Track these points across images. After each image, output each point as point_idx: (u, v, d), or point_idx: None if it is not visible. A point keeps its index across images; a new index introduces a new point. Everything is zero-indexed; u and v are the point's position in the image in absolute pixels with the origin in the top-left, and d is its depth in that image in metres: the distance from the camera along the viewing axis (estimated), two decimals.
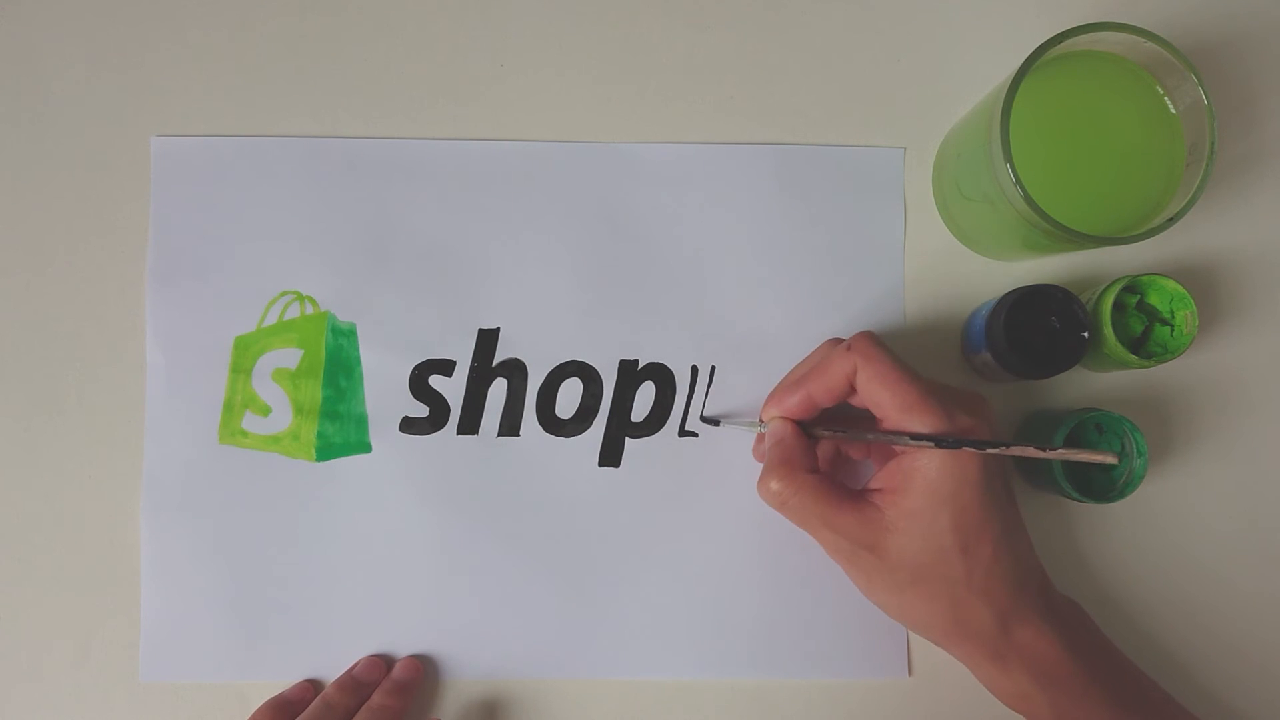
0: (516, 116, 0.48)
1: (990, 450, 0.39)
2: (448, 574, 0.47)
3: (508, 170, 0.48)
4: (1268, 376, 0.48)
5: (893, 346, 0.41)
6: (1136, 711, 0.41)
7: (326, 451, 0.47)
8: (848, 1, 0.49)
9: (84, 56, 0.48)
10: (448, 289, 0.48)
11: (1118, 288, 0.43)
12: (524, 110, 0.48)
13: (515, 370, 0.48)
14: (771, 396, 0.43)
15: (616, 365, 0.48)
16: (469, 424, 0.47)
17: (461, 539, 0.47)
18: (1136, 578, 0.47)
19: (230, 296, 0.47)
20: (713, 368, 0.48)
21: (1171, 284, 0.44)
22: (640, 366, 0.48)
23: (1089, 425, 0.45)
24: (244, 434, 0.47)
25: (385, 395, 0.47)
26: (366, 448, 0.47)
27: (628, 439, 0.48)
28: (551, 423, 0.48)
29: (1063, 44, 0.39)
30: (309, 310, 0.48)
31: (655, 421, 0.48)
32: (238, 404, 0.47)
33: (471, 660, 0.47)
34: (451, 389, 0.48)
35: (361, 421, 0.47)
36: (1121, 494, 0.44)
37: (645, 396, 0.48)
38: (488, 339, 0.48)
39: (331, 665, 0.46)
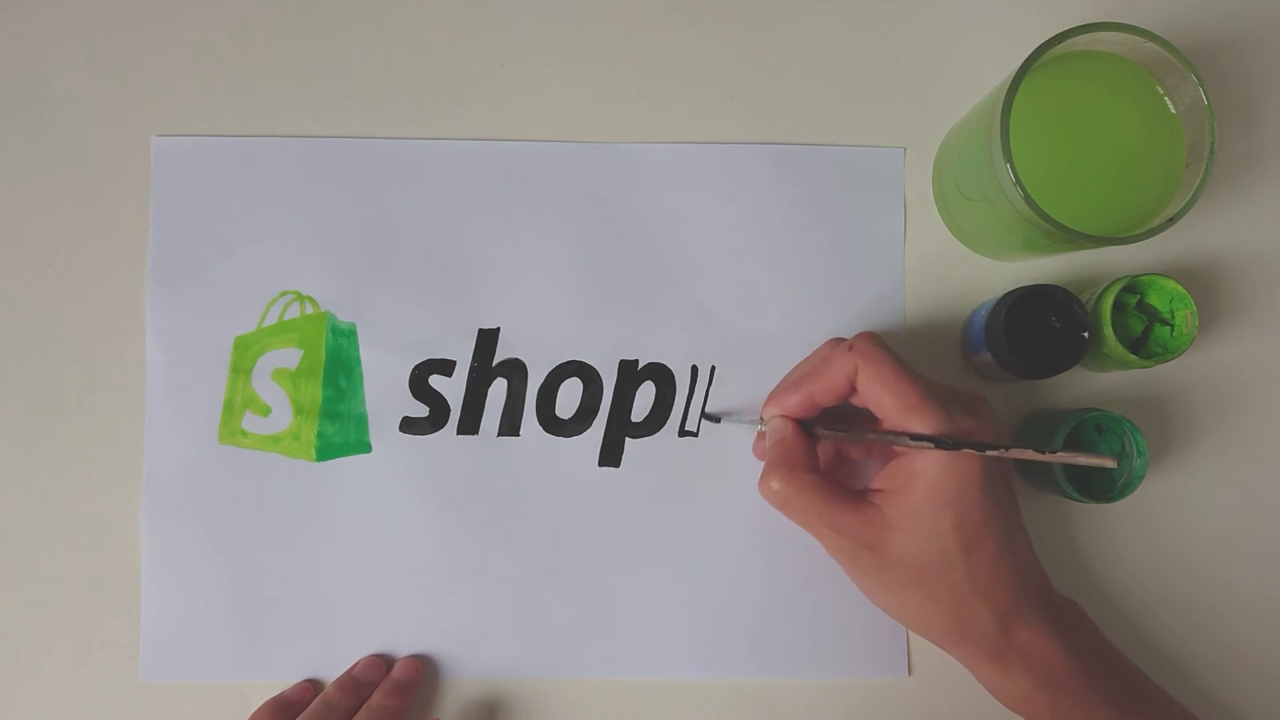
0: (516, 116, 0.48)
1: (990, 453, 0.39)
2: (448, 574, 0.47)
3: (508, 170, 0.48)
4: (1268, 376, 0.48)
5: (893, 346, 0.41)
6: (1137, 712, 0.41)
7: (326, 451, 0.47)
8: (848, 1, 0.49)
9: (84, 56, 0.48)
10: (448, 289, 0.48)
11: (1118, 288, 0.43)
12: (524, 110, 0.48)
13: (515, 370, 0.48)
14: (772, 395, 0.43)
15: (616, 365, 0.48)
16: (469, 424, 0.47)
17: (461, 539, 0.47)
18: (1136, 578, 0.47)
19: (230, 296, 0.47)
20: (713, 368, 0.48)
21: (1171, 284, 0.44)
22: (640, 366, 0.48)
23: (1089, 425, 0.45)
24: (244, 434, 0.47)
25: (385, 395, 0.47)
26: (366, 448, 0.47)
27: (628, 439, 0.48)
28: (551, 423, 0.48)
29: (1063, 44, 0.39)
30: (309, 310, 0.48)
31: (655, 421, 0.48)
32: (238, 404, 0.47)
33: (471, 660, 0.47)
34: (451, 389, 0.48)
35: (361, 421, 0.47)
36: (1121, 494, 0.44)
37: (645, 396, 0.48)
38: (488, 339, 0.48)
39: (331, 665, 0.46)
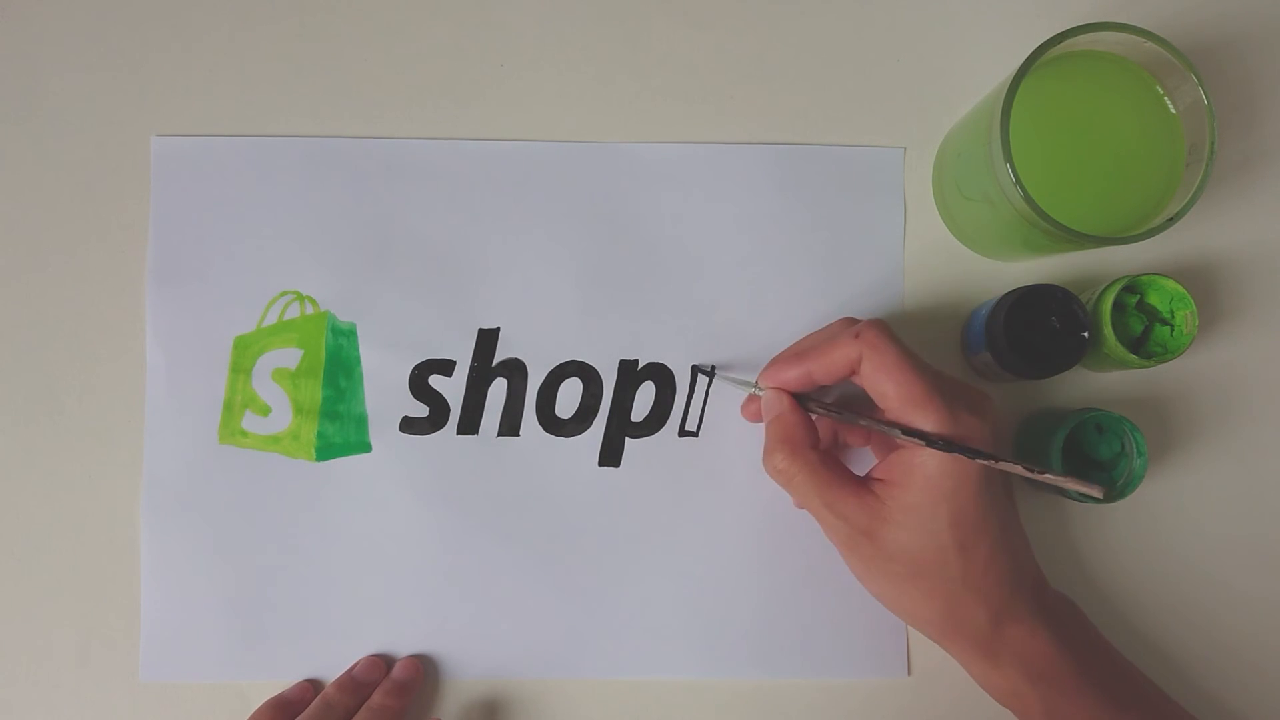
0: (516, 116, 0.48)
1: (981, 460, 0.39)
2: (448, 574, 0.47)
3: (508, 170, 0.48)
4: (1268, 376, 0.48)
5: None
6: (1130, 708, 0.40)
7: (326, 451, 0.47)
8: (847, 1, 0.49)
9: (84, 56, 0.48)
10: (448, 289, 0.48)
11: (1118, 288, 0.43)
12: (524, 110, 0.48)
13: (515, 370, 0.48)
14: (773, 363, 0.43)
15: (616, 365, 0.48)
16: (469, 424, 0.47)
17: (461, 539, 0.47)
18: (1135, 577, 0.47)
19: (230, 296, 0.47)
20: (713, 367, 0.48)
21: (1171, 284, 0.44)
22: (640, 366, 0.48)
23: (1089, 425, 0.45)
24: (244, 434, 0.47)
25: (385, 395, 0.47)
26: (366, 448, 0.47)
27: (628, 439, 0.48)
28: (551, 423, 0.48)
29: (1063, 44, 0.39)
30: (309, 310, 0.48)
31: (655, 421, 0.48)
32: (238, 404, 0.47)
33: (471, 660, 0.47)
34: (451, 389, 0.48)
35: (361, 421, 0.47)
36: (1121, 494, 0.44)
37: (645, 396, 0.48)
38: (488, 339, 0.48)
39: (331, 665, 0.46)
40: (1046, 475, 0.40)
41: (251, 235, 0.48)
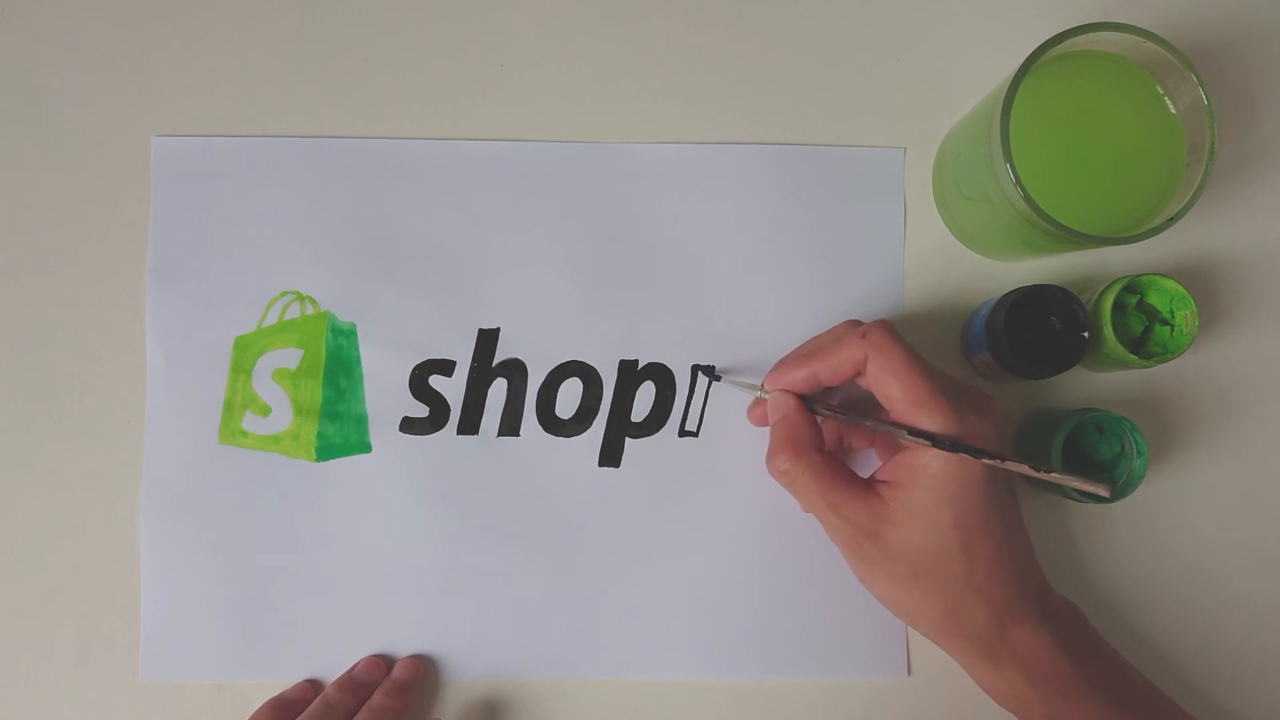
0: (516, 116, 0.48)
1: (986, 460, 0.39)
2: (448, 574, 0.47)
3: (508, 170, 0.48)
4: (1268, 376, 0.48)
5: None
6: (1131, 712, 0.40)
7: (326, 451, 0.47)
8: (847, 1, 0.49)
9: (84, 56, 0.48)
10: (448, 289, 0.48)
11: (1118, 288, 0.43)
12: (524, 110, 0.48)
13: (515, 370, 0.48)
14: (778, 366, 0.43)
15: (616, 365, 0.48)
16: (469, 424, 0.47)
17: (461, 539, 0.47)
18: (1135, 578, 0.47)
19: (230, 296, 0.47)
20: (712, 367, 0.48)
21: (1171, 284, 0.44)
22: (640, 366, 0.48)
23: (1089, 425, 0.45)
24: (244, 434, 0.47)
25: (385, 395, 0.47)
26: (366, 448, 0.47)
27: (628, 439, 0.48)
28: (551, 423, 0.48)
29: (1063, 44, 0.39)
30: (309, 310, 0.48)
31: (655, 421, 0.48)
32: (238, 404, 0.47)
33: (471, 660, 0.47)
34: (451, 389, 0.48)
35: (361, 421, 0.47)
36: (1121, 494, 0.44)
37: (645, 396, 0.48)
38: (488, 339, 0.48)
39: (331, 665, 0.46)
40: (1053, 474, 0.40)
41: (251, 235, 0.48)
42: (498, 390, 0.48)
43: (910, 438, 0.39)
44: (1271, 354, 0.48)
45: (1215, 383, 0.48)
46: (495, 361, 0.48)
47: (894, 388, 0.39)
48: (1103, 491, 0.39)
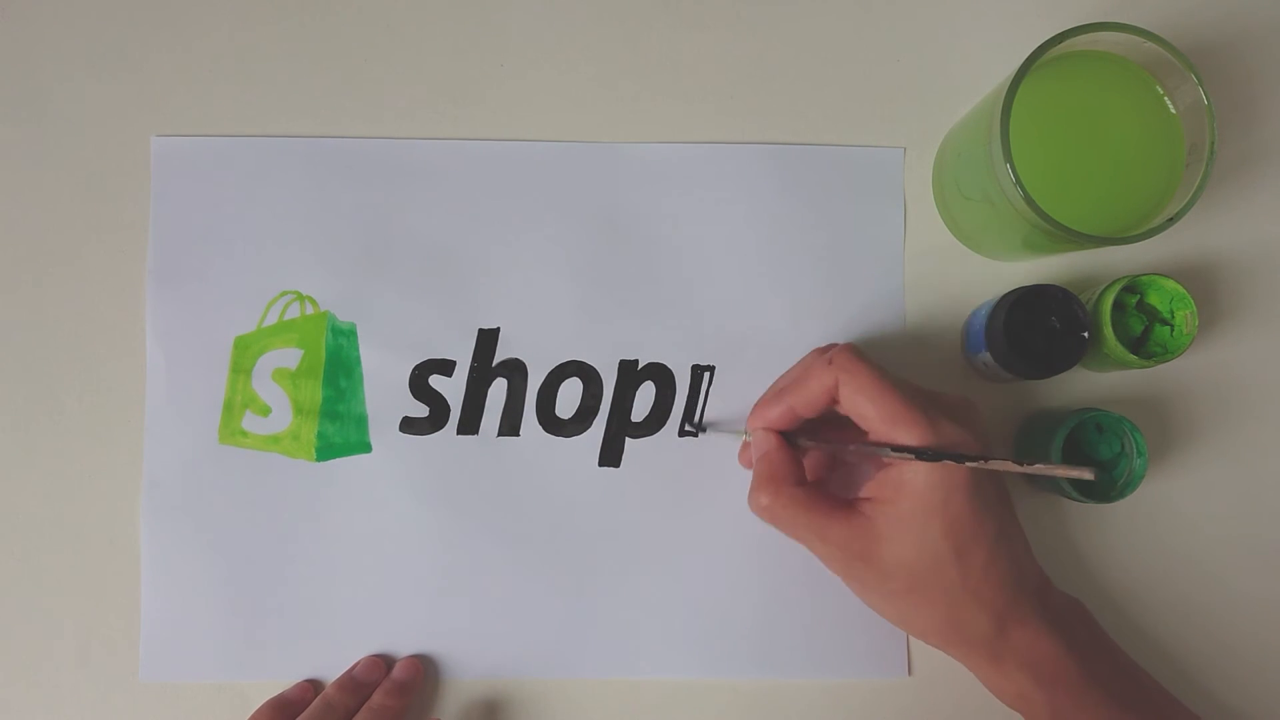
0: (516, 116, 0.48)
1: (970, 464, 0.39)
2: (448, 574, 0.47)
3: (507, 170, 0.48)
4: (1268, 376, 0.48)
5: (893, 347, 0.41)
6: (1136, 710, 0.40)
7: (326, 451, 0.47)
8: (847, 1, 0.49)
9: (84, 56, 0.48)
10: (448, 289, 0.48)
11: (1118, 288, 0.43)
12: (524, 110, 0.48)
13: (515, 370, 0.48)
14: (757, 407, 0.44)
15: (616, 365, 0.48)
16: (469, 424, 0.47)
17: (461, 539, 0.47)
18: (1136, 578, 0.47)
19: (230, 296, 0.47)
20: (712, 368, 0.48)
21: (1171, 284, 0.44)
22: (640, 366, 0.48)
23: (1089, 425, 0.45)
24: (244, 434, 0.47)
25: (385, 395, 0.47)
26: (366, 448, 0.47)
27: (628, 439, 0.48)
28: (551, 423, 0.48)
29: (1063, 44, 0.39)
30: (309, 310, 0.48)
31: (655, 421, 0.48)
32: (238, 404, 0.47)
33: (471, 660, 0.47)
34: (451, 389, 0.48)
35: (361, 421, 0.47)
36: (1121, 494, 0.44)
37: (645, 396, 0.48)
38: (488, 339, 0.48)
39: (331, 665, 0.46)
40: (1036, 466, 0.40)
41: (251, 235, 0.48)
42: (498, 390, 0.48)
43: (893, 454, 0.39)
44: (1271, 354, 0.48)
45: (1215, 383, 0.48)
46: (495, 361, 0.48)
47: (867, 408, 0.40)
48: (1086, 475, 0.39)
